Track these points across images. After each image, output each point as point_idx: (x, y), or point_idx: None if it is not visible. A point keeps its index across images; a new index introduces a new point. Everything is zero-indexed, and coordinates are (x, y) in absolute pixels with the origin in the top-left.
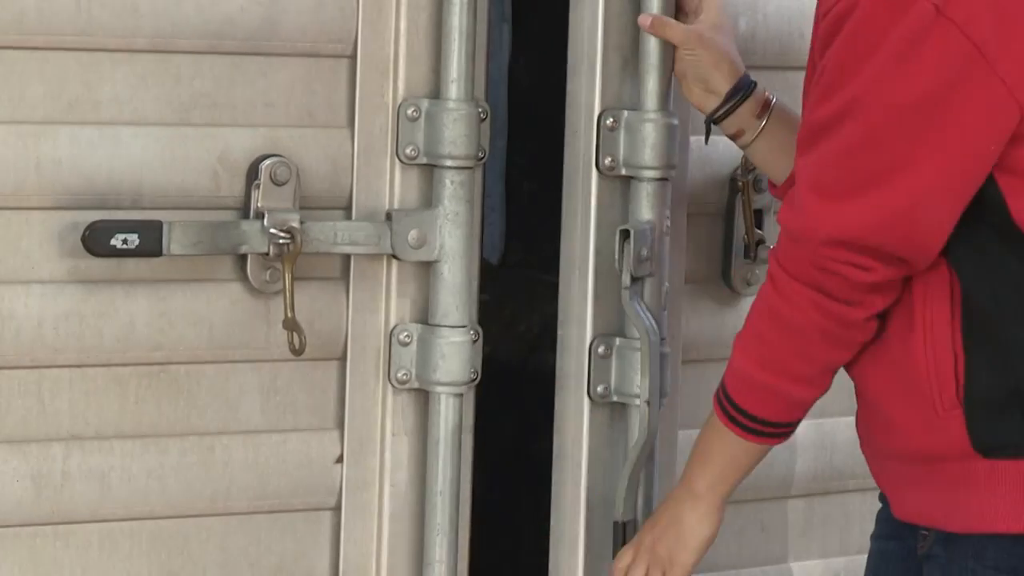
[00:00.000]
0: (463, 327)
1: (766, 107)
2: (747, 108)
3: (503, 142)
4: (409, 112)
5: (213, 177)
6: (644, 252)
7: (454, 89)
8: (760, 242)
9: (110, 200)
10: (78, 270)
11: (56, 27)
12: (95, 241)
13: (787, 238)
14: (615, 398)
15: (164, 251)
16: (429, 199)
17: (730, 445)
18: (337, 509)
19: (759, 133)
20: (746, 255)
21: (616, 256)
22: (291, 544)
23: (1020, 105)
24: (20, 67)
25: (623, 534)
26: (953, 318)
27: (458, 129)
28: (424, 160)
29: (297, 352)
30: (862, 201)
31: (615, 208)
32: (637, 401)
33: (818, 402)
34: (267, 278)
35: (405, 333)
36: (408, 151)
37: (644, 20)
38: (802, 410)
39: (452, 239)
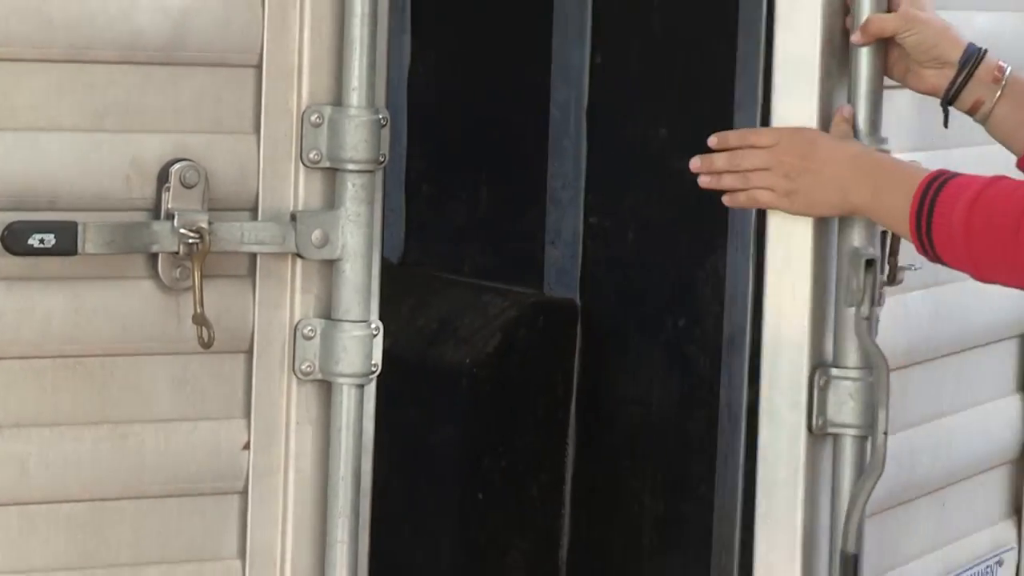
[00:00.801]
0: (364, 322)
1: (1000, 71)
2: (983, 71)
3: (402, 147)
4: (312, 119)
5: (126, 180)
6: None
7: (355, 97)
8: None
9: (27, 202)
10: None
11: None
12: (13, 240)
13: None
14: (830, 429)
15: (79, 250)
16: (332, 201)
17: (892, 207)
18: (244, 493)
19: (998, 99)
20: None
21: (857, 285)
22: (200, 526)
23: None
24: None
25: (853, 568)
26: None
27: (359, 135)
28: (327, 164)
29: (206, 345)
30: None
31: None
32: (851, 432)
33: None
34: (177, 276)
35: (309, 328)
36: (312, 155)
37: (857, 38)
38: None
39: (354, 239)
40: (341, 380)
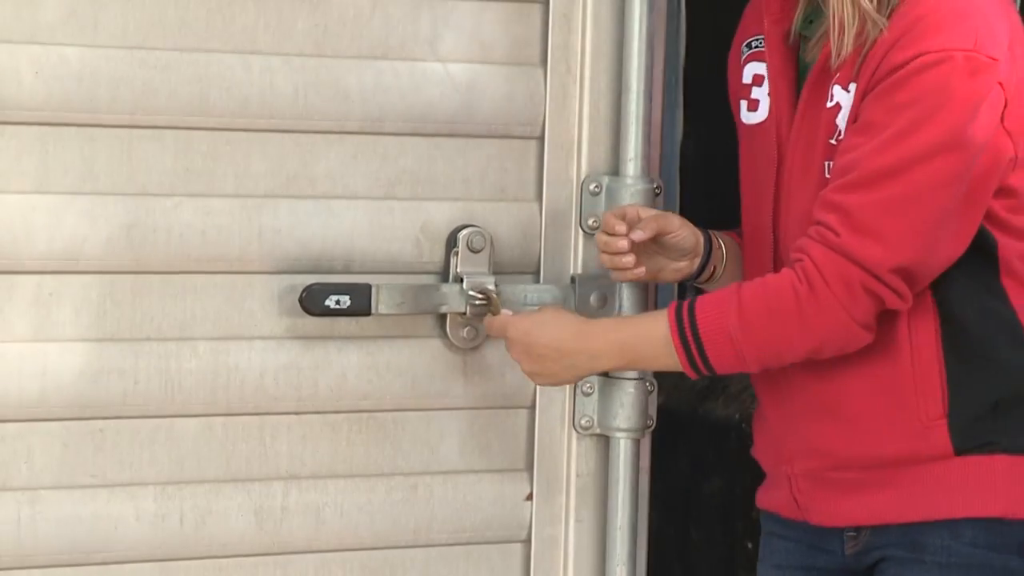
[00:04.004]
0: (640, 379)
1: (718, 240)
2: (715, 247)
3: None
4: (591, 187)
5: (416, 245)
6: None
7: (631, 167)
8: None
9: (324, 265)
10: (296, 328)
11: (276, 112)
12: (311, 302)
13: (846, 262)
14: None
15: (373, 311)
16: None
17: (655, 357)
18: (527, 542)
19: (725, 263)
20: None
21: None
22: (486, 573)
23: (1016, 152)
24: (244, 147)
25: None
26: (937, 340)
27: (635, 202)
28: None
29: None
30: (934, 236)
31: None
32: None
33: None
34: (464, 335)
35: (588, 384)
36: (590, 222)
37: (638, 236)
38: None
39: (630, 300)
40: (618, 434)
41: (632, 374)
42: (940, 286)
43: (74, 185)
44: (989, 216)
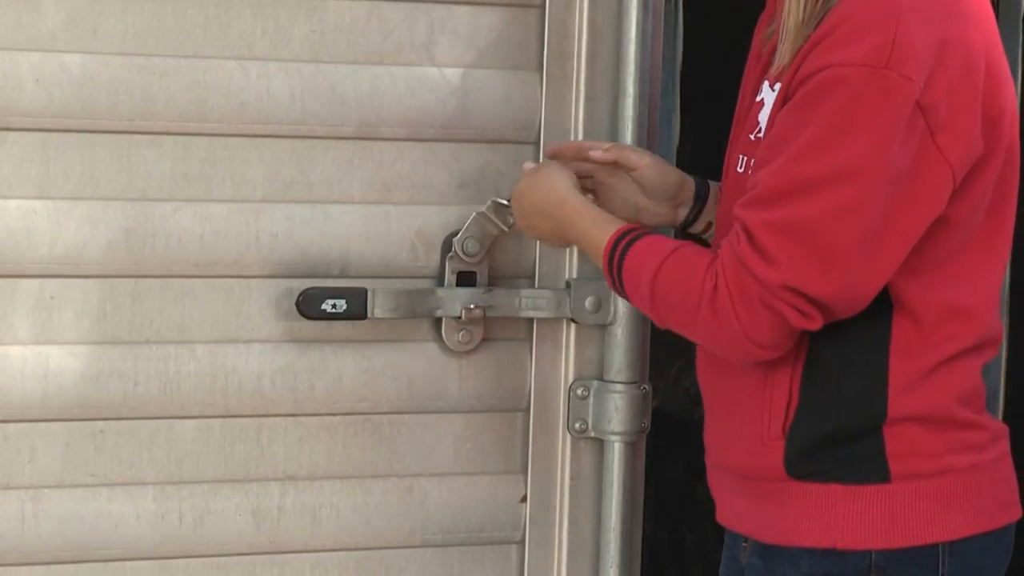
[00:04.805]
0: (634, 383)
1: (712, 193)
2: (711, 199)
3: None
4: None
5: (412, 249)
6: None
7: None
8: None
9: (320, 269)
10: (292, 331)
11: (274, 117)
12: (308, 306)
13: (746, 272)
14: None
15: (368, 315)
16: None
17: (598, 259)
18: (521, 543)
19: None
20: None
21: None
22: (480, 574)
23: (955, 181)
24: (242, 153)
25: None
26: (795, 366)
27: None
28: None
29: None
30: (840, 266)
31: None
32: None
33: None
34: (459, 339)
35: (582, 388)
36: None
37: (598, 155)
38: None
39: (625, 305)
40: (613, 438)
41: (625, 377)
42: None
43: (75, 191)
44: (918, 265)
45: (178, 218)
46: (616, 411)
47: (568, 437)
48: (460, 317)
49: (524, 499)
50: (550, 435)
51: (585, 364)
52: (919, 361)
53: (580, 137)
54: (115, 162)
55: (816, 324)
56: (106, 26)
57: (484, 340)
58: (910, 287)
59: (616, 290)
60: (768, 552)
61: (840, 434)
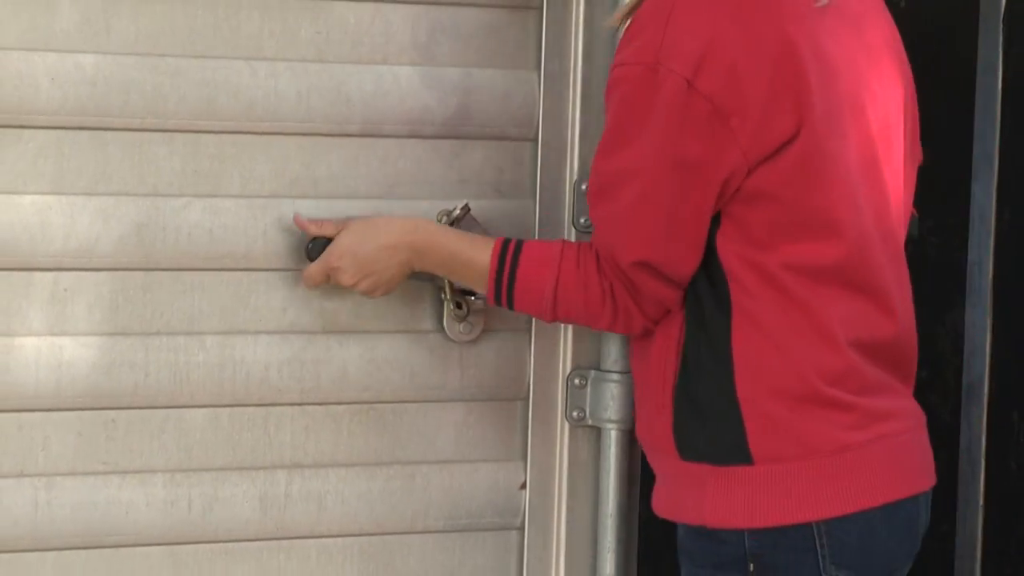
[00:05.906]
0: (630, 372)
1: None
2: None
3: None
4: (582, 188)
5: None
6: None
7: None
8: None
9: None
10: (299, 323)
11: (281, 115)
12: (316, 253)
13: (604, 263)
14: None
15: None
16: None
17: (472, 280)
18: (521, 528)
19: None
20: None
21: None
22: (481, 558)
23: (748, 165)
24: (250, 149)
25: None
26: (678, 345)
27: None
28: None
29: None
30: (651, 238)
31: None
32: None
33: None
34: (461, 330)
35: (580, 378)
36: (582, 221)
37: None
38: None
39: None
40: (609, 426)
41: (621, 366)
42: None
43: (88, 186)
44: (751, 238)
45: (188, 213)
46: (612, 399)
47: (566, 425)
48: (461, 308)
49: (524, 486)
50: (549, 423)
51: (582, 354)
52: (767, 339)
53: (577, 132)
54: (127, 158)
55: (669, 291)
56: (119, 27)
57: (485, 331)
58: (743, 261)
59: (501, 302)
60: (690, 530)
61: (702, 412)
